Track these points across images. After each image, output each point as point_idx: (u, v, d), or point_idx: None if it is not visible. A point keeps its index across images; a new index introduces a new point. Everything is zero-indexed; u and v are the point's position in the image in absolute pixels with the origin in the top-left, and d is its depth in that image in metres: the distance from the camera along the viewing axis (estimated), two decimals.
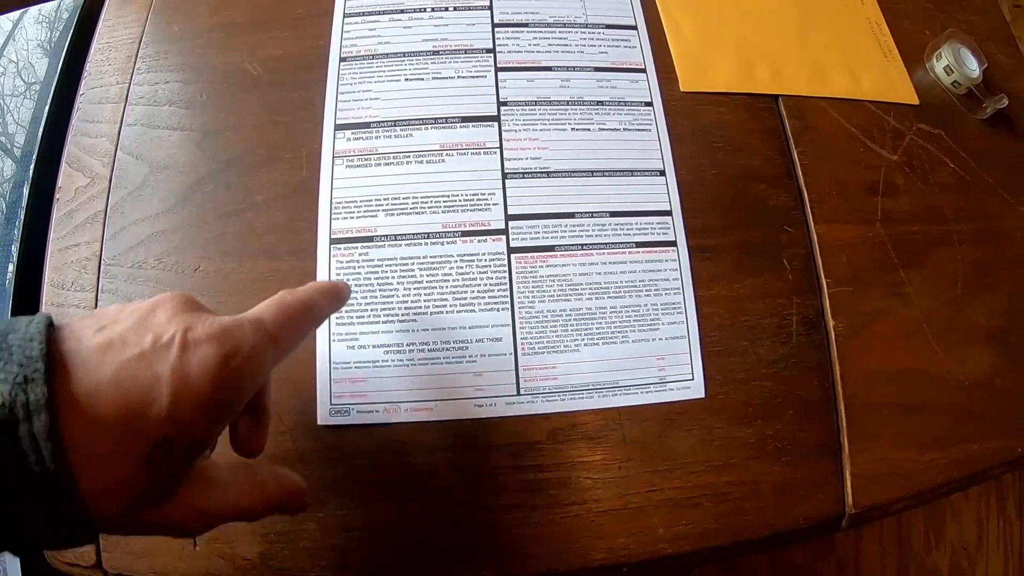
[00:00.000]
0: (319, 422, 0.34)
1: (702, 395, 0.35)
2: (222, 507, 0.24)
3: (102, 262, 0.36)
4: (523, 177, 0.37)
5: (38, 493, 0.18)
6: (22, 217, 0.40)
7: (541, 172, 0.37)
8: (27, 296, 0.38)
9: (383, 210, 0.36)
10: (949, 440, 0.37)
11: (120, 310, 0.22)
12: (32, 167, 0.41)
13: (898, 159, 0.41)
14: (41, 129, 0.42)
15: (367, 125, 0.38)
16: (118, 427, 0.19)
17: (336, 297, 0.30)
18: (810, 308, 0.37)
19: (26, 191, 0.41)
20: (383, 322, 0.35)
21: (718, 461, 0.35)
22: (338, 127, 0.38)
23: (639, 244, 0.36)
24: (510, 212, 0.37)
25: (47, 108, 0.43)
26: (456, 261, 0.35)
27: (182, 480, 0.22)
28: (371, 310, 0.35)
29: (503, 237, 0.36)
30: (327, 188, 0.37)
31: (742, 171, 0.39)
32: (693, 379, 0.35)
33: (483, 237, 0.36)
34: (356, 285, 0.35)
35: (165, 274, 0.36)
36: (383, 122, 0.38)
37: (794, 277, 0.38)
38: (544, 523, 0.34)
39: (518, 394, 0.34)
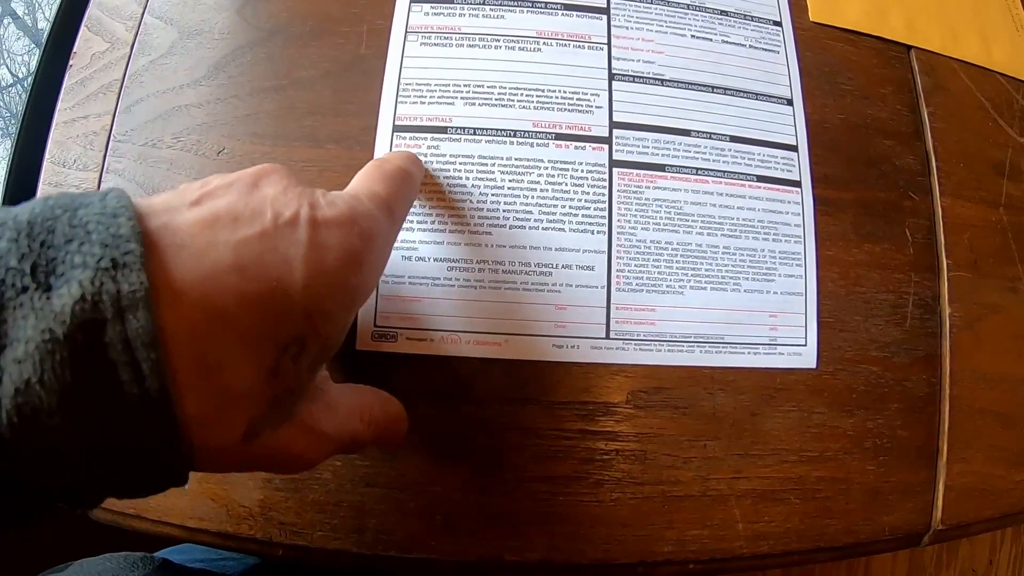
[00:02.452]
0: (357, 346, 0.27)
1: (814, 365, 0.30)
2: (339, 431, 0.20)
3: (111, 137, 0.30)
4: (633, 81, 0.30)
5: (129, 422, 0.13)
6: (29, 87, 0.36)
7: (655, 79, 0.30)
8: (24, 173, 0.33)
9: (462, 98, 0.29)
10: None
11: (206, 182, 0.17)
12: (47, 35, 0.36)
13: None
14: None
15: (450, 0, 0.30)
16: (242, 325, 0.15)
17: (417, 161, 0.25)
18: (928, 289, 0.32)
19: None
20: (450, 231, 0.28)
21: (813, 451, 0.29)
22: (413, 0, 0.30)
23: (760, 178, 0.30)
24: (615, 119, 0.30)
25: None
26: (547, 167, 0.28)
27: (304, 394, 0.18)
28: (437, 215, 0.28)
29: (605, 147, 0.29)
30: (395, 67, 0.30)
31: (870, 121, 0.33)
32: (806, 345, 0.29)
33: (581, 144, 0.29)
34: (422, 184, 0.28)
35: (182, 155, 0.30)
36: None
37: (915, 251, 0.32)
38: (607, 503, 0.27)
39: (607, 337, 0.28)
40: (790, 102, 0.32)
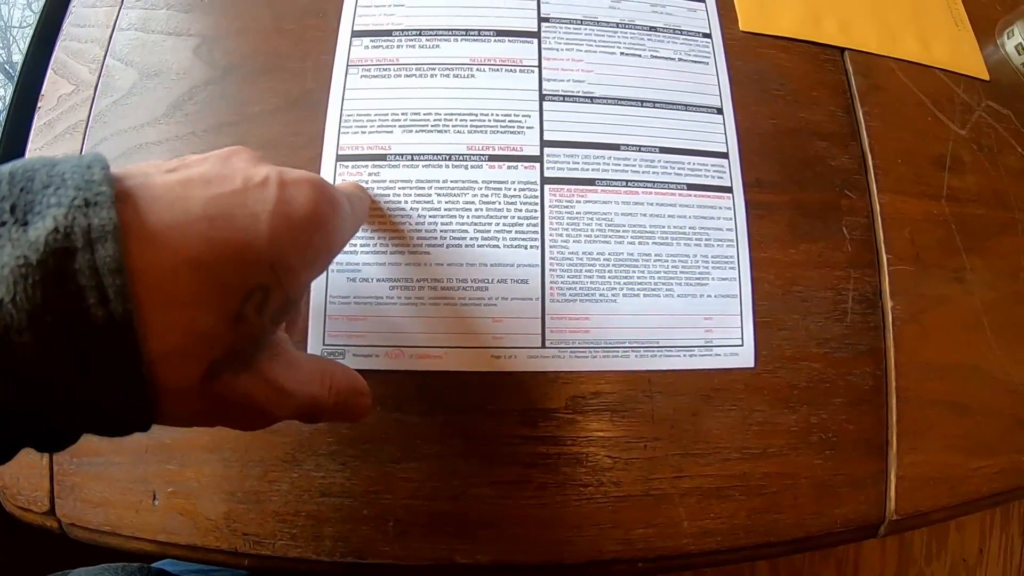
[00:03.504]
0: None
1: (752, 364, 0.30)
2: (297, 389, 0.20)
3: None
4: (563, 100, 0.32)
5: (95, 348, 0.14)
6: (2, 125, 0.37)
7: (584, 97, 0.32)
8: None
9: (400, 126, 0.31)
10: (998, 448, 0.34)
11: (184, 158, 0.19)
12: (16, 78, 0.38)
13: (967, 135, 0.37)
14: (30, 38, 0.39)
15: (388, 33, 0.33)
16: (209, 269, 0.16)
17: (366, 197, 0.28)
18: (868, 285, 0.33)
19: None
20: (391, 252, 0.29)
21: (756, 448, 0.30)
22: (355, 34, 0.33)
23: (691, 186, 0.31)
24: (546, 138, 0.31)
25: (38, 17, 0.38)
26: (481, 188, 0.30)
27: (264, 346, 0.19)
28: (379, 237, 0.29)
29: (537, 165, 0.31)
30: (337, 99, 0.32)
31: (803, 124, 0.34)
32: (743, 345, 0.30)
33: (514, 163, 0.31)
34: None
35: None
36: (407, 31, 0.33)
37: (853, 248, 0.33)
38: (553, 505, 0.28)
39: (543, 346, 0.29)
40: (720, 111, 0.33)
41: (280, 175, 0.19)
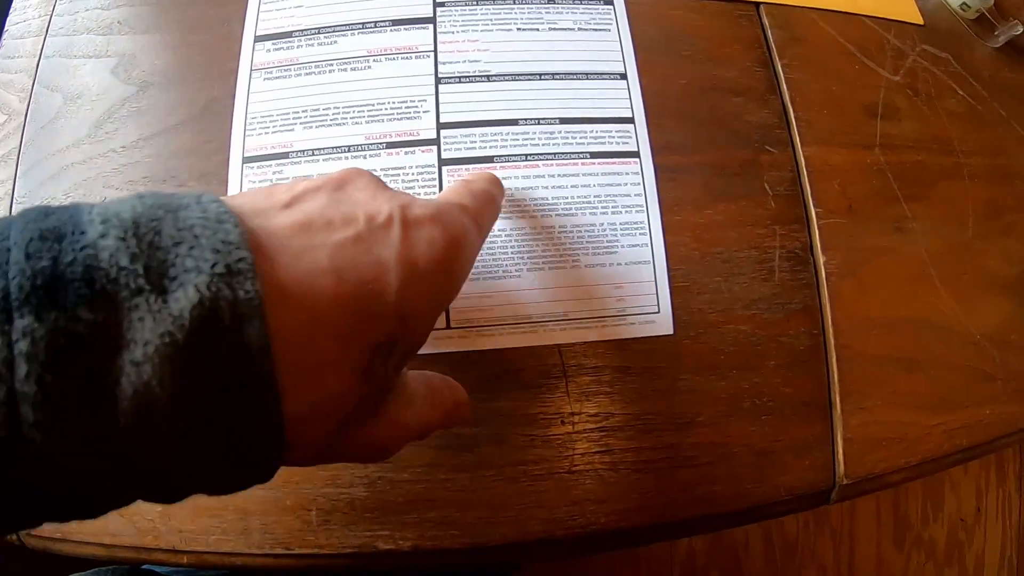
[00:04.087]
0: None
1: (671, 330, 0.29)
2: (416, 421, 0.20)
3: (14, 200, 0.33)
4: (459, 82, 0.32)
5: (238, 426, 0.14)
6: None
7: (480, 76, 0.32)
8: None
9: (301, 123, 0.31)
10: (957, 402, 0.32)
11: (292, 186, 0.18)
12: None
13: (900, 80, 0.36)
14: None
15: (289, 34, 0.33)
16: (339, 329, 0.15)
17: (499, 184, 0.26)
18: (796, 241, 0.31)
19: None
20: None
21: (683, 419, 0.29)
22: (258, 39, 0.33)
23: (594, 155, 0.31)
24: (443, 120, 0.31)
25: None
26: (379, 175, 0.30)
27: (390, 392, 0.19)
28: None
29: (434, 148, 0.30)
30: (242, 103, 0.32)
31: (715, 82, 0.33)
32: (659, 311, 0.29)
33: (411, 149, 0.30)
34: None
35: None
36: (306, 30, 0.33)
37: (777, 204, 0.32)
38: (471, 488, 0.28)
39: (448, 327, 0.28)
40: (623, 76, 0.32)
41: (403, 215, 0.18)
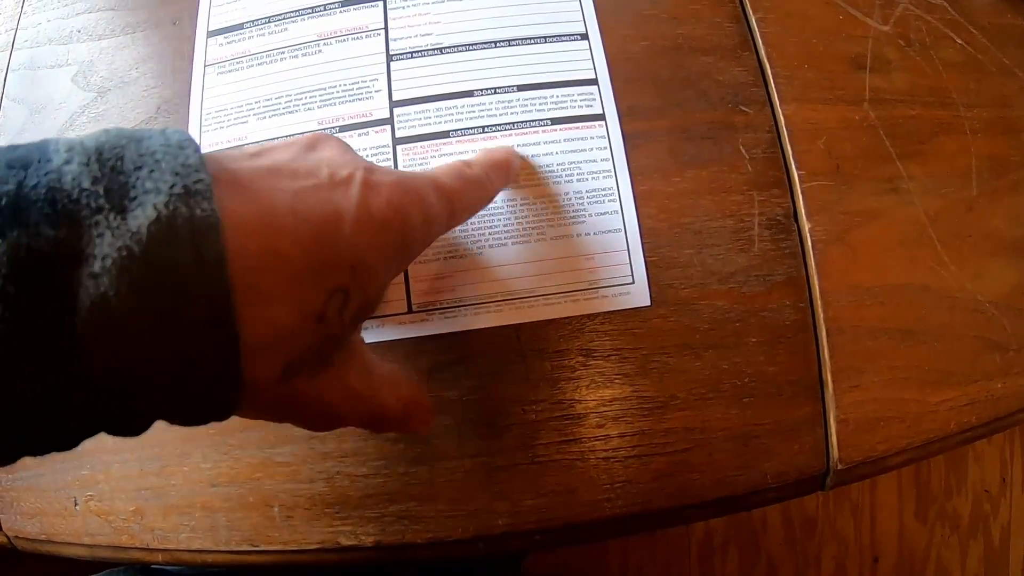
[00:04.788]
0: None
1: (647, 302, 0.27)
2: (369, 394, 0.21)
3: None
4: (412, 57, 0.30)
5: (195, 340, 0.14)
6: None
7: (432, 49, 0.30)
8: None
9: (254, 114, 0.30)
10: (964, 376, 0.29)
11: (266, 145, 0.19)
12: None
13: (890, 30, 0.33)
14: None
15: (240, 26, 0.32)
16: (294, 266, 0.16)
17: (507, 171, 0.26)
18: (778, 207, 0.29)
19: None
20: None
21: (655, 402, 0.27)
22: (211, 33, 0.32)
23: (555, 120, 0.29)
24: (395, 98, 0.29)
25: None
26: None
27: (342, 347, 0.19)
28: None
29: (387, 127, 0.29)
30: (198, 100, 0.31)
31: (680, 41, 0.31)
32: (634, 282, 0.27)
33: (364, 130, 0.29)
34: None
35: None
36: (257, 19, 0.32)
37: (754, 168, 0.29)
38: (431, 481, 0.26)
39: (409, 311, 0.27)
40: (584, 36, 0.30)
41: (365, 176, 0.18)
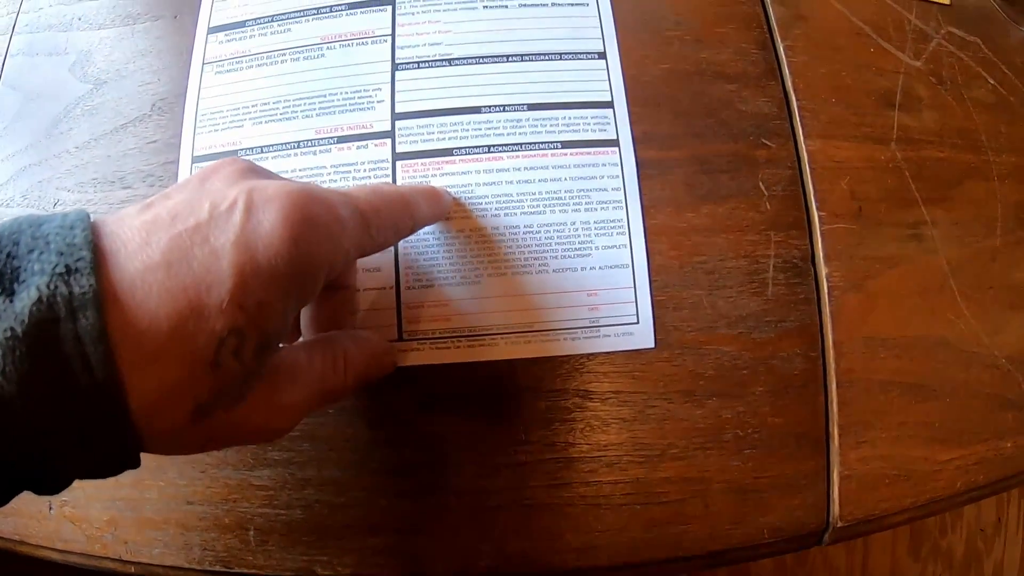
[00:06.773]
0: None
1: (651, 344, 0.26)
2: (308, 396, 0.20)
3: None
4: (418, 67, 0.28)
5: (82, 409, 0.15)
6: None
7: (441, 60, 0.28)
8: None
9: (250, 119, 0.29)
10: (975, 434, 0.28)
11: (167, 190, 0.18)
12: None
13: (922, 66, 0.31)
14: None
15: (242, 24, 0.30)
16: (173, 321, 0.15)
17: (437, 202, 0.25)
18: (795, 249, 0.28)
19: None
20: None
21: (653, 450, 0.26)
22: (211, 30, 0.31)
23: (566, 144, 0.27)
24: (398, 110, 0.28)
25: None
26: (329, 173, 0.27)
27: (259, 378, 0.18)
28: None
29: (388, 141, 0.27)
30: (193, 99, 0.30)
31: (703, 66, 0.29)
32: (638, 322, 0.26)
33: (363, 142, 0.27)
34: None
35: (28, 211, 0.31)
36: (260, 18, 0.30)
37: (773, 206, 0.28)
38: (413, 516, 0.25)
39: (400, 339, 0.26)
40: (602, 55, 0.28)
41: (249, 196, 0.17)
